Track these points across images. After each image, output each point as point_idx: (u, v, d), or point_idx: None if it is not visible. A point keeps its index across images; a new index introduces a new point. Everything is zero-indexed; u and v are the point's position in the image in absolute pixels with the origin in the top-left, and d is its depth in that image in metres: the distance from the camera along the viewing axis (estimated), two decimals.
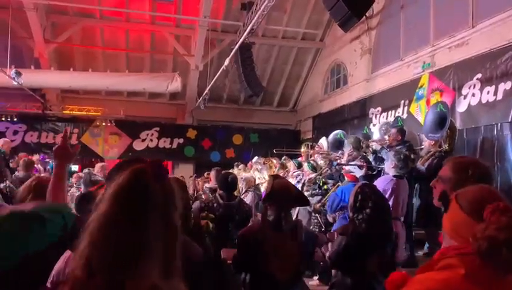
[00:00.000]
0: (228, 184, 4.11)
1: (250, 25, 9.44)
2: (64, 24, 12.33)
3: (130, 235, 1.03)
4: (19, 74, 9.93)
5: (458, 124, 7.07)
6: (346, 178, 5.47)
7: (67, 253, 2.07)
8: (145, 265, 1.02)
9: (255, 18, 9.08)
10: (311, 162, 6.91)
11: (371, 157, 5.66)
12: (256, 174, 8.59)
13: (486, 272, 1.20)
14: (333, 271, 3.29)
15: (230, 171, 6.25)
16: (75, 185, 9.57)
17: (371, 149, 5.74)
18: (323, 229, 5.47)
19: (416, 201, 5.81)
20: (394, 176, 4.54)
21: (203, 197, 6.56)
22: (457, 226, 1.36)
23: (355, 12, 6.00)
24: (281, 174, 7.78)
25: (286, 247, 2.70)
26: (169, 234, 1.08)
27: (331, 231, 4.36)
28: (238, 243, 2.93)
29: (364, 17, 8.78)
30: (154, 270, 1.02)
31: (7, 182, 5.91)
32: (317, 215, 5.80)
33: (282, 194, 2.80)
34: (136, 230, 1.04)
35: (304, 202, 3.24)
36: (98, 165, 8.39)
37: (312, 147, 8.98)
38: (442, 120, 5.64)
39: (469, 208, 1.34)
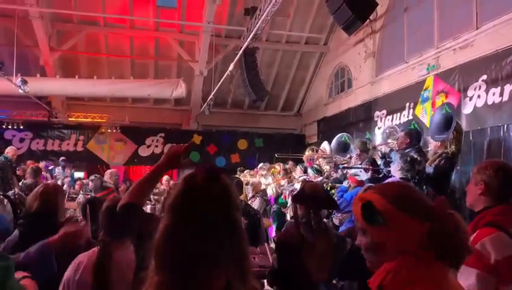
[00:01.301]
0: None
1: (254, 30, 9.48)
2: (69, 32, 12.42)
3: (193, 243, 1.03)
4: (24, 82, 10.01)
5: (464, 126, 7.03)
6: (350, 182, 5.44)
7: (76, 261, 2.09)
8: (212, 270, 1.03)
9: (259, 23, 9.11)
10: (315, 166, 6.90)
11: (379, 161, 5.62)
12: (262, 180, 8.60)
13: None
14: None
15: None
16: (81, 192, 9.63)
17: (379, 153, 5.71)
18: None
19: None
20: (401, 178, 4.52)
21: None
22: (409, 235, 1.29)
23: (358, 16, 6.02)
24: (285, 180, 7.78)
25: (319, 247, 2.74)
26: (235, 234, 1.08)
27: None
28: (277, 249, 2.99)
29: (368, 20, 8.79)
30: (225, 273, 1.03)
31: (16, 189, 5.94)
32: (325, 220, 5.78)
33: (310, 195, 2.87)
34: (198, 237, 1.03)
35: (333, 205, 3.29)
36: (108, 172, 8.46)
37: (317, 151, 8.97)
38: (448, 121, 5.61)
39: (418, 212, 1.30)
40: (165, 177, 10.00)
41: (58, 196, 2.68)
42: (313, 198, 2.84)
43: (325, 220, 5.56)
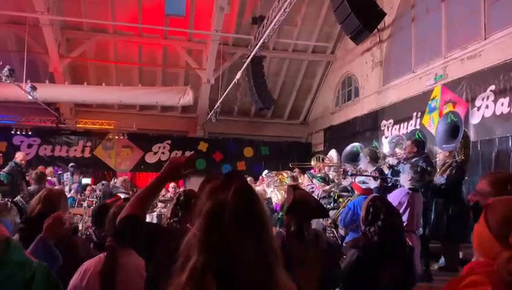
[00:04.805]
0: None
1: (262, 39, 9.53)
2: (78, 39, 12.57)
3: (263, 248, 1.14)
4: (34, 88, 10.11)
5: (472, 136, 7.00)
6: (355, 191, 5.41)
7: (82, 267, 2.09)
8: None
9: (266, 32, 9.16)
10: (319, 175, 6.87)
11: (387, 171, 5.60)
12: (267, 189, 8.58)
13: None
14: None
15: None
16: (88, 198, 9.68)
17: (387, 164, 5.70)
18: (339, 243, 5.41)
19: (433, 214, 5.70)
20: (409, 188, 4.50)
21: None
22: (483, 244, 1.35)
23: (366, 25, 6.04)
24: None
25: (309, 256, 2.69)
26: (262, 242, 1.17)
27: (345, 245, 4.32)
28: None
29: (375, 29, 8.81)
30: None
31: (19, 196, 5.97)
32: (333, 229, 5.75)
33: (302, 205, 2.80)
34: (267, 242, 1.15)
35: (324, 213, 3.23)
36: (121, 179, 8.51)
37: (322, 160, 8.94)
38: (454, 130, 5.59)
39: (496, 230, 1.32)
40: (172, 185, 10.02)
41: (60, 200, 2.69)
42: (304, 208, 2.79)
43: (333, 229, 5.56)
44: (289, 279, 1.19)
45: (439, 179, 5.00)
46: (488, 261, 1.29)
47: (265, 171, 10.22)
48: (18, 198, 6.07)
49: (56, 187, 9.84)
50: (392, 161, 5.57)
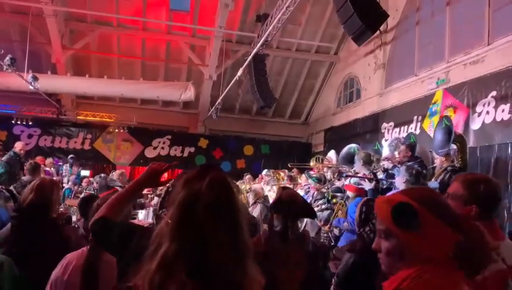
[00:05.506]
0: None
1: (265, 37, 9.50)
2: (81, 31, 12.55)
3: (235, 239, 1.14)
4: (35, 78, 10.10)
5: (472, 142, 6.97)
6: (348, 192, 5.38)
7: (65, 260, 2.07)
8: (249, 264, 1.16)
9: (269, 29, 9.14)
10: (314, 175, 6.86)
11: (381, 175, 5.58)
12: (265, 187, 8.57)
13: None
14: None
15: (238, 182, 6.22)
16: (85, 190, 9.68)
17: (382, 168, 5.69)
18: (332, 244, 5.40)
19: None
20: None
21: None
22: (441, 244, 1.19)
23: (369, 26, 6.00)
24: (290, 186, 7.76)
25: (293, 257, 2.64)
26: (236, 234, 1.17)
27: (338, 247, 4.29)
28: None
29: (379, 31, 8.78)
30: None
31: (11, 187, 5.97)
32: (328, 232, 5.73)
33: (289, 204, 2.74)
34: (239, 234, 1.15)
35: (311, 214, 3.17)
36: (118, 172, 8.50)
37: (322, 161, 8.92)
38: (449, 134, 5.58)
39: (450, 221, 1.21)
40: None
41: (53, 190, 2.67)
42: (291, 206, 2.73)
43: (326, 229, 5.54)
44: (259, 273, 1.18)
45: (432, 183, 4.97)
46: (422, 267, 1.18)
47: (265, 171, 10.21)
48: (11, 188, 6.07)
49: (54, 178, 9.84)
50: (387, 164, 5.55)
